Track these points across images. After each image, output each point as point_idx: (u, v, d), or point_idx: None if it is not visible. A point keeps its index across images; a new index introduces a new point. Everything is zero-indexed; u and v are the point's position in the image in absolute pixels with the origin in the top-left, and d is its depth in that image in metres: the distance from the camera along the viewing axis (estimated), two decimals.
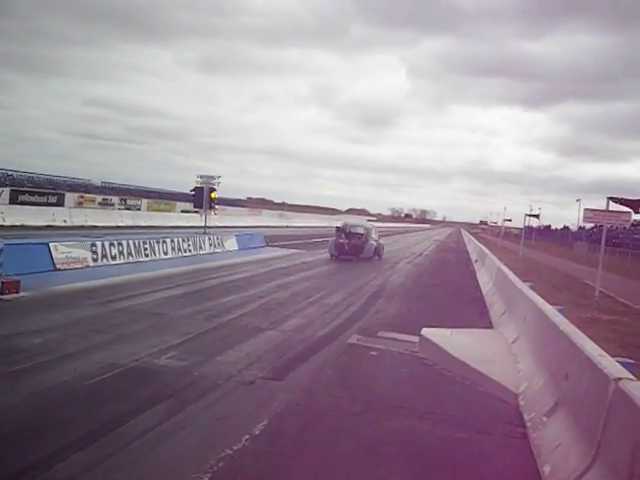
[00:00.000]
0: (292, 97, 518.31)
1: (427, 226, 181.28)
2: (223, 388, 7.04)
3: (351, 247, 27.43)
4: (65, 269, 14.92)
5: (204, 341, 9.41)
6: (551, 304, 9.64)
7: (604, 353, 5.51)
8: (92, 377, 7.03)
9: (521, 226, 57.88)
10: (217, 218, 40.11)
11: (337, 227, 29.47)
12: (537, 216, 52.84)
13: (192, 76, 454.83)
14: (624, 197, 15.48)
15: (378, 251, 29.49)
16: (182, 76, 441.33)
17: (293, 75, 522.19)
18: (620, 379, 4.52)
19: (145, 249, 19.03)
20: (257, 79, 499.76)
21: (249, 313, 12.01)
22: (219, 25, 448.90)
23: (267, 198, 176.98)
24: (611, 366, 4.95)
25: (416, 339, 10.12)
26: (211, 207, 28.11)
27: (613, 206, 15.74)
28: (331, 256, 27.43)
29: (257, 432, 5.75)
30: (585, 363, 5.45)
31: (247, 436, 5.61)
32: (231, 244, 26.46)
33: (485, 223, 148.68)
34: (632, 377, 4.61)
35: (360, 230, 28.99)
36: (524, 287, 11.95)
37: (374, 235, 29.55)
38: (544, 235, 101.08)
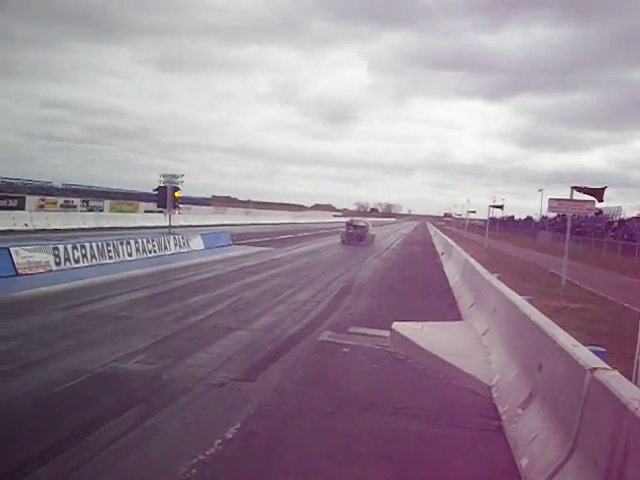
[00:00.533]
0: (254, 94, 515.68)
1: (393, 220, 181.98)
2: (193, 391, 6.89)
3: (356, 235, 39.01)
4: (27, 274, 14.60)
5: (172, 343, 9.23)
6: (519, 294, 9.67)
7: (577, 343, 5.50)
8: (58, 385, 6.82)
9: (485, 217, 58.65)
10: (182, 217, 39.78)
11: (346, 222, 42.30)
12: (501, 207, 53.37)
13: (152, 75, 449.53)
14: (587, 186, 15.65)
15: (373, 239, 41.39)
16: (142, 75, 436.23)
17: (254, 72, 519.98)
18: (595, 369, 4.49)
19: (109, 251, 18.71)
20: (218, 77, 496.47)
21: (218, 313, 11.85)
22: (178, 23, 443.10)
23: (232, 196, 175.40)
24: (585, 356, 4.93)
25: (387, 334, 10.07)
26: (175, 206, 27.76)
27: (577, 195, 15.91)
28: (342, 241, 38.98)
29: (230, 436, 5.62)
30: (559, 353, 5.43)
31: (220, 440, 5.48)
32: (197, 243, 26.19)
33: (449, 215, 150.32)
34: (607, 366, 4.59)
35: (362, 224, 41.27)
36: (492, 278, 12.00)
37: (371, 227, 41.72)
38: (508, 226, 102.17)
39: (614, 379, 4.28)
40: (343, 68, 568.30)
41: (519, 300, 8.70)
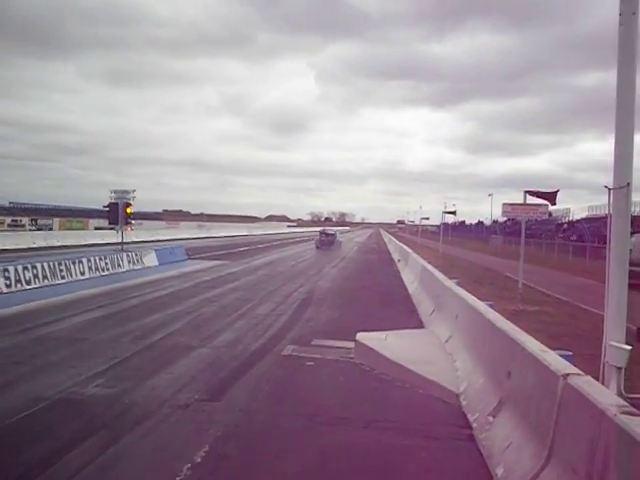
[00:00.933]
0: (203, 107, 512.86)
1: (347, 228, 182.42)
2: (157, 415, 6.67)
3: (328, 241, 49.64)
4: None
5: (132, 365, 8.97)
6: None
7: (546, 348, 5.49)
8: (14, 414, 6.53)
9: (437, 223, 59.28)
10: (134, 233, 39.13)
11: (319, 231, 53.85)
12: (454, 213, 54.04)
13: (98, 89, 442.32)
14: (540, 190, 15.84)
15: (340, 244, 52.35)
16: (88, 90, 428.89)
17: (203, 85, 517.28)
18: (568, 375, 4.48)
19: (61, 271, 18.22)
20: (167, 90, 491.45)
21: (177, 331, 11.60)
22: (123, 37, 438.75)
23: (184, 210, 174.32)
24: (556, 362, 4.92)
25: (351, 344, 9.99)
26: (127, 222, 27.20)
27: (530, 199, 16.10)
28: (316, 247, 48.31)
29: (199, 460, 5.44)
30: (528, 360, 5.42)
31: (189, 465, 5.29)
32: (150, 259, 25.76)
33: (402, 222, 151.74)
34: (580, 372, 4.58)
35: (332, 232, 53.72)
36: (452, 285, 12.04)
37: (338, 235, 54.73)
38: (460, 231, 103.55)
39: (588, 384, 4.27)
40: (291, 79, 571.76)
41: (482, 306, 8.72)
